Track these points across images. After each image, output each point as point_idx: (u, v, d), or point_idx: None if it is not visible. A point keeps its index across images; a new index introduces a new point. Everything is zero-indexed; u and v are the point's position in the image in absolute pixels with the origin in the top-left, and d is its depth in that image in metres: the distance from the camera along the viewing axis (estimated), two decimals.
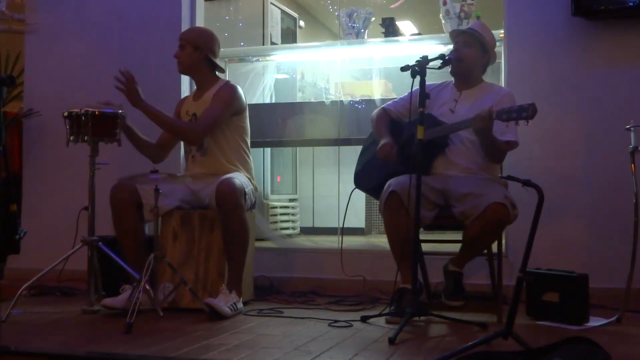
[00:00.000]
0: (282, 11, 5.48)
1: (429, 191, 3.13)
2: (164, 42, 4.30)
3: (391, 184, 3.14)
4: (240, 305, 3.29)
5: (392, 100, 3.61)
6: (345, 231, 4.05)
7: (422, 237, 3.19)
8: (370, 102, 4.36)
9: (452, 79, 3.46)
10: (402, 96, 3.57)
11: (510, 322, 2.45)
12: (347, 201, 3.59)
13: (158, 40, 4.39)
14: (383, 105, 3.59)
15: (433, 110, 3.29)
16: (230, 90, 3.60)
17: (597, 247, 3.63)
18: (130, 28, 4.50)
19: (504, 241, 3.54)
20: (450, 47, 3.51)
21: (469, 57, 3.33)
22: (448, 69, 3.32)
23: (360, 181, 3.54)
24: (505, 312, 2.74)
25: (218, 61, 3.71)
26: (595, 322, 3.08)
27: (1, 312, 3.02)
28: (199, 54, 3.60)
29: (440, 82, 3.48)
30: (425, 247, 3.42)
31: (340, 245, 3.84)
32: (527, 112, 2.84)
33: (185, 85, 4.36)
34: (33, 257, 4.22)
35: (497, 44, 4.05)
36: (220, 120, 3.53)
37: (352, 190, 3.58)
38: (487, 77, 3.54)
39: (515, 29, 3.86)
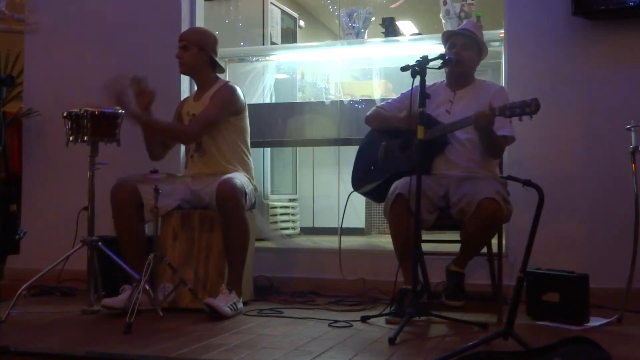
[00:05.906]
0: (282, 11, 5.48)
1: (432, 194, 3.13)
2: (164, 42, 4.30)
3: (397, 186, 3.12)
4: (240, 305, 3.29)
5: (385, 102, 3.62)
6: (346, 231, 4.05)
7: (422, 237, 3.18)
8: (370, 102, 4.36)
9: (443, 78, 3.45)
10: (395, 97, 3.57)
11: (510, 322, 2.45)
12: (346, 202, 3.59)
13: (158, 40, 4.39)
14: (376, 106, 3.59)
15: (429, 111, 3.27)
16: (228, 91, 3.60)
17: (597, 247, 3.63)
18: (130, 28, 4.49)
19: (504, 241, 3.53)
20: None
21: (468, 59, 3.33)
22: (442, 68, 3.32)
23: (358, 183, 3.53)
24: (505, 312, 2.74)
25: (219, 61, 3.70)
26: (595, 322, 3.07)
27: (1, 312, 3.02)
28: (204, 55, 3.60)
29: (432, 82, 3.44)
30: (425, 247, 3.42)
31: (339, 246, 3.84)
32: (530, 107, 2.84)
33: (185, 85, 4.36)
34: (33, 257, 4.21)
35: (497, 43, 4.07)
36: (216, 120, 3.52)
37: (350, 193, 3.58)
38: (487, 77, 3.53)
39: (515, 29, 3.85)
